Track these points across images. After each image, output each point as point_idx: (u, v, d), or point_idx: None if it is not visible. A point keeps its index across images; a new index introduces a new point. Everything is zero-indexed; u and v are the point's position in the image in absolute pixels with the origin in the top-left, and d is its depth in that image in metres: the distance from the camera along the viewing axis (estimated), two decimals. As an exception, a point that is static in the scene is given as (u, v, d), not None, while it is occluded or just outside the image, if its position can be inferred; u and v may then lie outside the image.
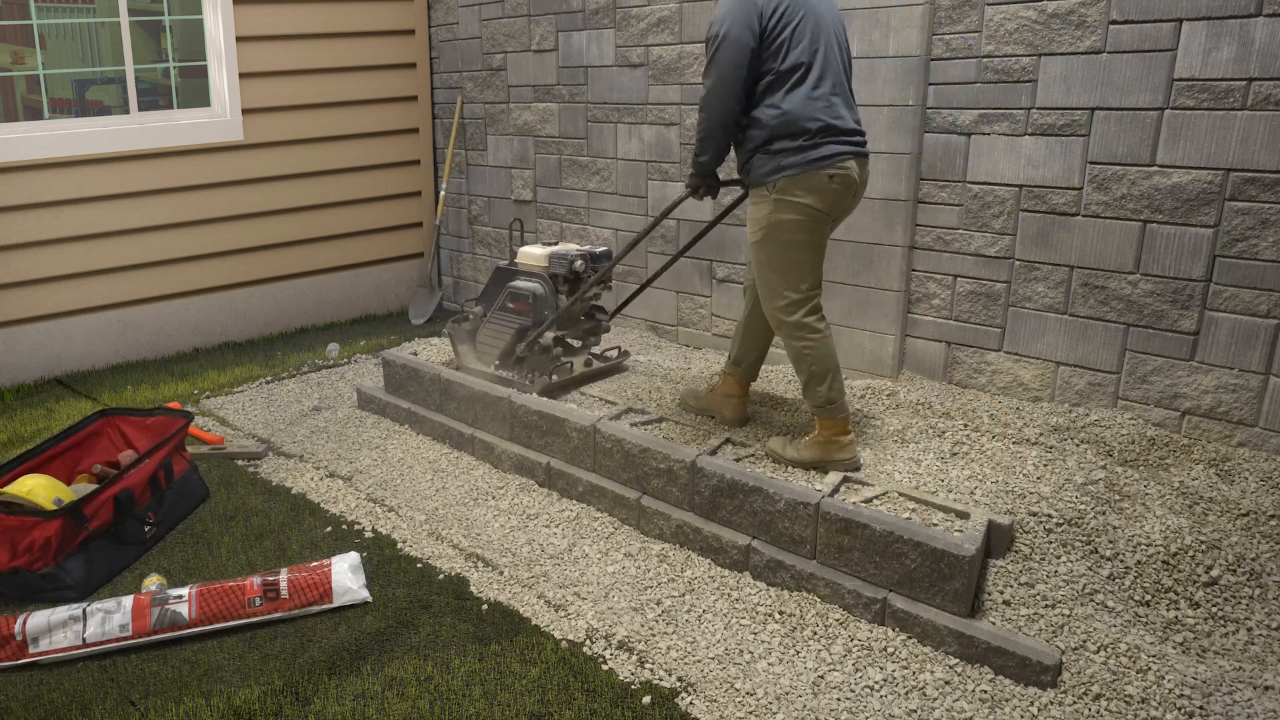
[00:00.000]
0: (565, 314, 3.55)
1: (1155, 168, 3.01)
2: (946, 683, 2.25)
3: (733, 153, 2.87)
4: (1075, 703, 2.15)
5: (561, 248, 3.64)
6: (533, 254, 3.65)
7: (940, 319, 3.60)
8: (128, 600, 2.45)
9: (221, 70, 4.85)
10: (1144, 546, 2.47)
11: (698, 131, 2.75)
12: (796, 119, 2.63)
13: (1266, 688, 2.16)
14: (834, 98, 2.67)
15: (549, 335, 3.56)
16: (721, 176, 3.01)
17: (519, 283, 3.65)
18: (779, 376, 3.79)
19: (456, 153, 5.64)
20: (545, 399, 3.41)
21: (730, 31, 2.58)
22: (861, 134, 2.75)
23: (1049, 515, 2.56)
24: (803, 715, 2.15)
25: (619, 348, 3.98)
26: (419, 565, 2.81)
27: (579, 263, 3.50)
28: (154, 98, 4.81)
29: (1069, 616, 2.33)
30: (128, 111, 4.67)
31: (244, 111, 4.94)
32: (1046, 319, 3.32)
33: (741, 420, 3.20)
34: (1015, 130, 3.28)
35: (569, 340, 3.73)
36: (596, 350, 3.91)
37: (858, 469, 2.84)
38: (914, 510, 2.57)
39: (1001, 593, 2.41)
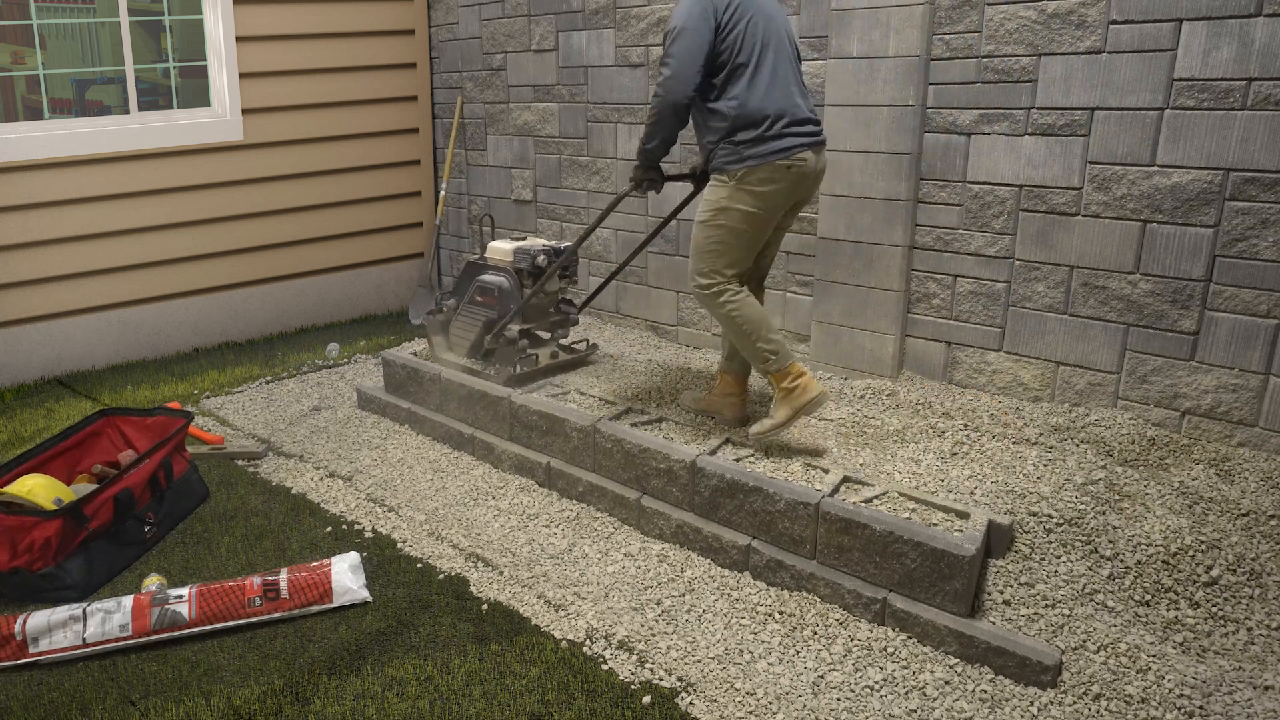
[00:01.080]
0: (529, 306, 3.65)
1: (1155, 168, 3.01)
2: (946, 683, 2.25)
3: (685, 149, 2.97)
4: (1075, 703, 2.15)
5: (527, 243, 3.74)
6: (500, 249, 3.76)
7: (940, 319, 3.60)
8: (128, 600, 2.44)
9: (221, 70, 4.85)
10: (1144, 546, 2.47)
11: (649, 118, 2.90)
12: (754, 109, 2.79)
13: (1266, 688, 2.16)
14: (791, 87, 2.85)
15: (514, 327, 3.66)
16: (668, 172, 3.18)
17: (486, 277, 3.76)
18: (779, 376, 3.79)
19: (456, 153, 5.64)
20: (545, 399, 3.41)
21: (689, 24, 2.78)
22: (816, 122, 2.91)
23: (1049, 515, 2.56)
24: (803, 715, 2.15)
25: (587, 340, 4.07)
26: (419, 565, 2.81)
27: (541, 257, 3.61)
28: (154, 98, 4.81)
29: (1069, 616, 2.33)
30: (128, 111, 4.67)
31: (244, 111, 4.94)
32: (1046, 319, 3.33)
33: (742, 419, 3.20)
34: (1015, 130, 3.28)
35: (537, 332, 3.84)
36: (565, 342, 4.00)
37: (826, 400, 2.95)
38: (914, 510, 2.57)
39: (1001, 593, 2.41)
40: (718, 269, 2.90)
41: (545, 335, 3.88)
